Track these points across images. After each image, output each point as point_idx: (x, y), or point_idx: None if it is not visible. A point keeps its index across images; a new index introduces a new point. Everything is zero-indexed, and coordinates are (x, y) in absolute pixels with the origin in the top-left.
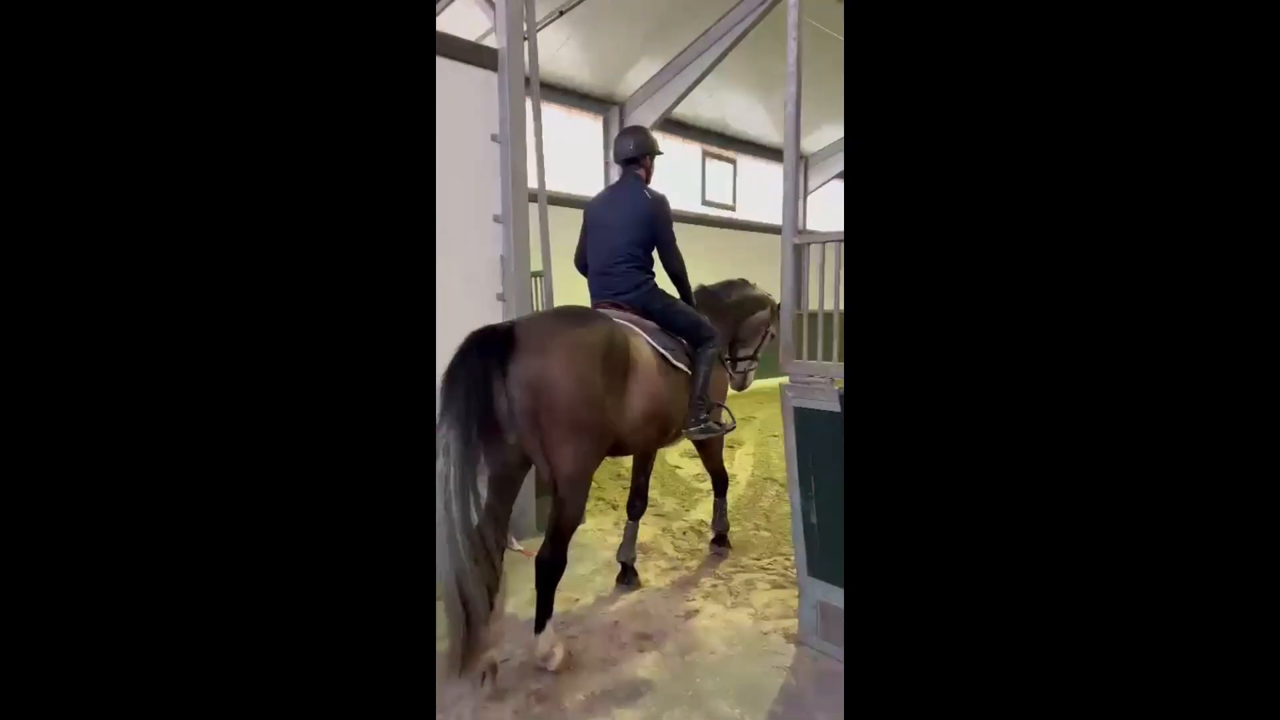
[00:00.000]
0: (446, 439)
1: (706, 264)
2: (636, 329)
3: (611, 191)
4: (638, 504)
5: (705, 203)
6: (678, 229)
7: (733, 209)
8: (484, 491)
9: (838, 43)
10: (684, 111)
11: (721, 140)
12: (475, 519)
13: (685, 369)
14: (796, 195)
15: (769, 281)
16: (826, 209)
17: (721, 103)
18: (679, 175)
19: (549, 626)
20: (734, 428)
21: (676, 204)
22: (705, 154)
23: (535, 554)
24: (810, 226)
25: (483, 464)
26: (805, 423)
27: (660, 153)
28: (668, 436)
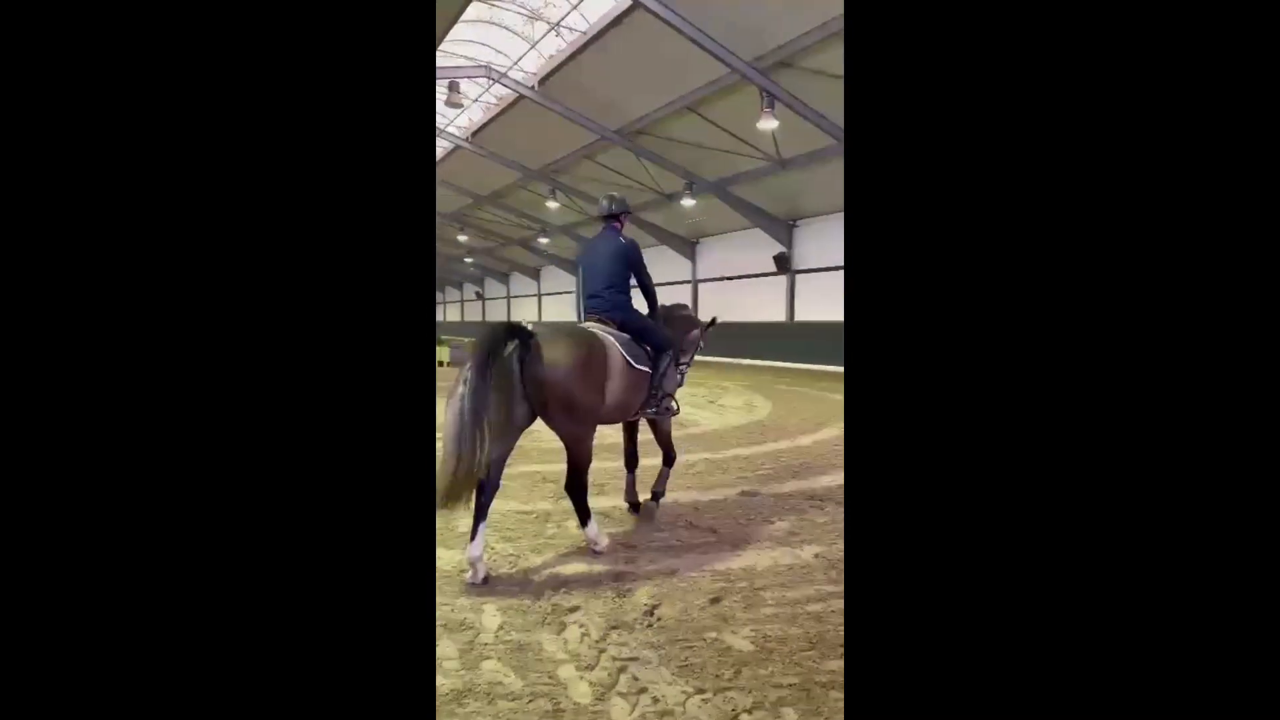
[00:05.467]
0: (468, 373)
1: None
2: (614, 341)
3: (596, 240)
4: (632, 461)
5: None
6: None
7: None
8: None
9: None
10: None
11: None
12: (484, 419)
13: (646, 369)
14: None
15: None
16: None
17: None
18: None
19: (592, 522)
20: (678, 412)
21: None
22: None
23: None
24: None
25: (494, 406)
26: None
27: (631, 212)
28: (630, 415)
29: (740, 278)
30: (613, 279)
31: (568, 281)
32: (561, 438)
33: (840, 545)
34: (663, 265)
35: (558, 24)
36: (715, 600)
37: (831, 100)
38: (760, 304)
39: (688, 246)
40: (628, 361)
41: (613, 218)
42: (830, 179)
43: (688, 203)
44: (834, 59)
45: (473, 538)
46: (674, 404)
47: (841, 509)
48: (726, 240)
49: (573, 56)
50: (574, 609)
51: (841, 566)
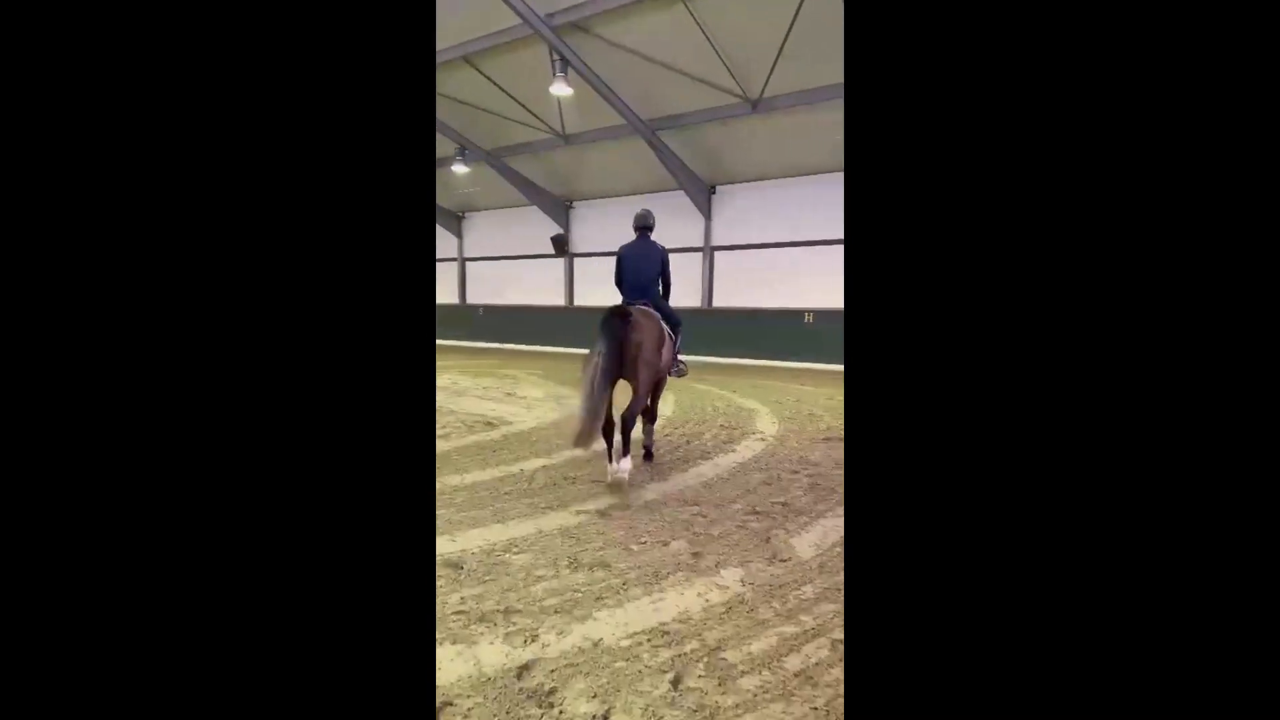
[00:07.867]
0: (601, 345)
1: None
2: (662, 321)
3: (638, 244)
4: (653, 412)
5: None
6: None
7: None
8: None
9: None
10: None
11: None
12: (603, 383)
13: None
14: None
15: None
16: None
17: None
18: None
19: (627, 458)
20: (687, 373)
21: None
22: None
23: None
24: None
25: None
26: None
27: (655, 225)
28: (666, 372)
29: (514, 258)
30: (652, 275)
31: None
32: (637, 385)
33: (757, 564)
34: None
35: None
36: (676, 682)
37: (625, 76)
38: (537, 288)
39: (454, 220)
40: (669, 334)
41: (648, 228)
42: (615, 161)
43: (459, 170)
44: (631, 31)
45: (625, 454)
46: (684, 366)
47: (726, 513)
48: (498, 216)
49: None
50: None
51: (779, 594)
